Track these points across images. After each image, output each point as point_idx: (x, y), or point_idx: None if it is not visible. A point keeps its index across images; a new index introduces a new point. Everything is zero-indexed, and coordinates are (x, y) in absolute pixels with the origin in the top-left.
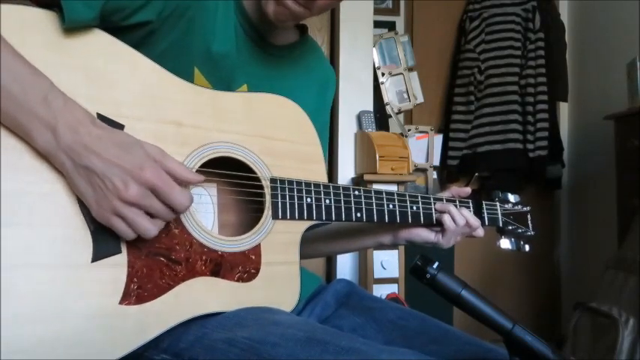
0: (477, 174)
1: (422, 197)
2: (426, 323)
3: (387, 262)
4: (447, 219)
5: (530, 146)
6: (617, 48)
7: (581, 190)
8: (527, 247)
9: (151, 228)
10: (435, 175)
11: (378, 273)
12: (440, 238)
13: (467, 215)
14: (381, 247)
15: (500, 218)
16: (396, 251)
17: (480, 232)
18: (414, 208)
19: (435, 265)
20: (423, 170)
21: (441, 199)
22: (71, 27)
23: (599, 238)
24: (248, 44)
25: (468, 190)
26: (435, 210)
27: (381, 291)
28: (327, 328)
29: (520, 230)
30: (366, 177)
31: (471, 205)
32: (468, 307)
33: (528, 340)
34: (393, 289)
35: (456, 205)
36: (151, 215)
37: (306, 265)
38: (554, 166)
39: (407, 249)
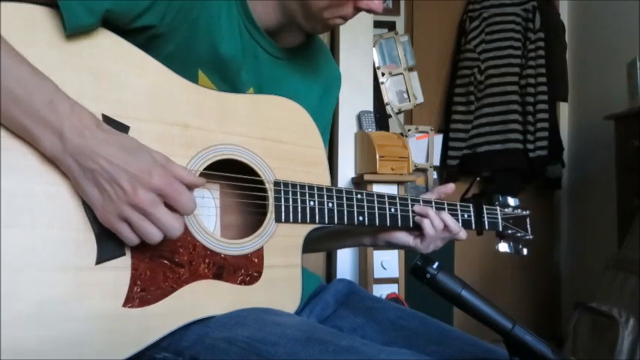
0: (478, 178)
1: (424, 202)
2: (426, 323)
3: (387, 262)
4: (426, 223)
5: (530, 146)
6: (617, 48)
7: (581, 190)
8: (525, 251)
9: (156, 234)
10: (435, 175)
11: (378, 273)
12: (418, 242)
13: (446, 219)
14: (361, 245)
15: (500, 222)
16: (396, 251)
17: (462, 235)
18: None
19: (435, 265)
20: (423, 170)
21: (442, 204)
22: (73, 33)
23: (599, 238)
24: (253, 46)
25: (452, 185)
26: (414, 212)
27: (381, 291)
28: (326, 328)
29: (519, 234)
30: (366, 177)
31: (471, 209)
32: (468, 307)
33: (528, 340)
34: (393, 289)
35: (456, 210)
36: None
37: (306, 265)
38: (554, 166)
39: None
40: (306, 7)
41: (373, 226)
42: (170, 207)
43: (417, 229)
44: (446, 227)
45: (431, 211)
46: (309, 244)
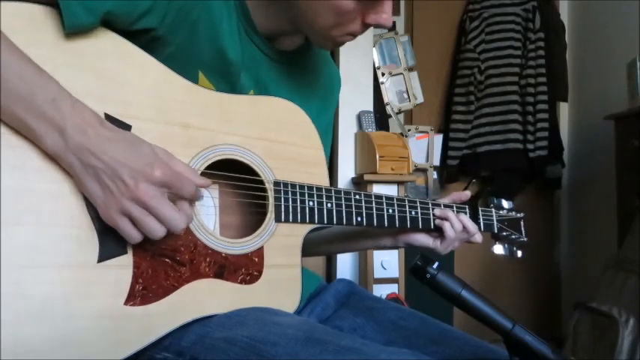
0: (474, 180)
1: (420, 202)
2: (426, 323)
3: (387, 262)
4: (447, 226)
5: (530, 146)
6: (617, 48)
7: (581, 190)
8: (519, 253)
9: (158, 228)
10: (435, 175)
11: (378, 273)
12: (438, 244)
13: (464, 221)
14: (382, 248)
15: (495, 224)
16: (396, 251)
17: (478, 237)
18: (413, 213)
19: (435, 265)
20: (423, 170)
21: (439, 205)
22: (72, 31)
23: (599, 238)
24: (252, 50)
25: (468, 193)
26: (434, 216)
27: (381, 291)
28: (326, 328)
29: (514, 236)
30: (366, 177)
31: (467, 210)
32: (468, 307)
33: (528, 340)
34: (393, 289)
35: (453, 211)
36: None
37: (306, 265)
38: (554, 166)
39: (407, 249)
40: (313, 26)
41: (371, 227)
42: (174, 201)
43: (437, 231)
44: (464, 229)
45: (451, 214)
46: (325, 245)
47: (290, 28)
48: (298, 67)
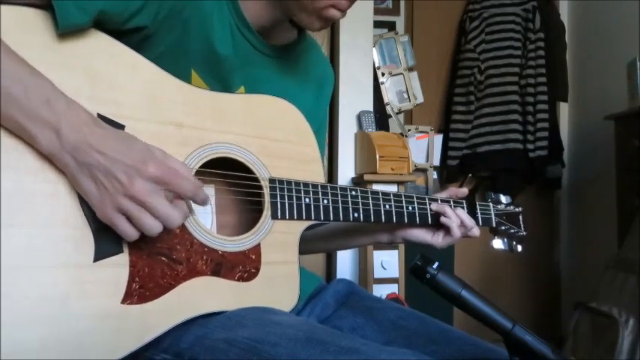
0: (470, 175)
1: (417, 198)
2: (426, 323)
3: (387, 262)
4: (444, 220)
5: (530, 146)
6: (617, 48)
7: (581, 190)
8: (519, 248)
9: (155, 225)
10: (435, 175)
11: (378, 273)
12: (435, 238)
13: (461, 215)
14: (379, 244)
15: (493, 218)
16: (396, 251)
17: (476, 231)
18: (410, 208)
19: (435, 265)
20: (423, 170)
21: (436, 200)
22: (65, 31)
23: (599, 238)
24: (245, 46)
25: (465, 190)
26: (431, 210)
27: (381, 291)
28: (326, 329)
29: (513, 230)
30: (366, 177)
31: (465, 205)
32: (468, 307)
33: (528, 340)
34: (393, 289)
35: (450, 206)
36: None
37: (306, 265)
38: (554, 166)
39: (407, 249)
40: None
41: (368, 223)
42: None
43: (434, 226)
44: (462, 223)
45: (448, 209)
46: (321, 242)
47: (281, 16)
48: (291, 61)
